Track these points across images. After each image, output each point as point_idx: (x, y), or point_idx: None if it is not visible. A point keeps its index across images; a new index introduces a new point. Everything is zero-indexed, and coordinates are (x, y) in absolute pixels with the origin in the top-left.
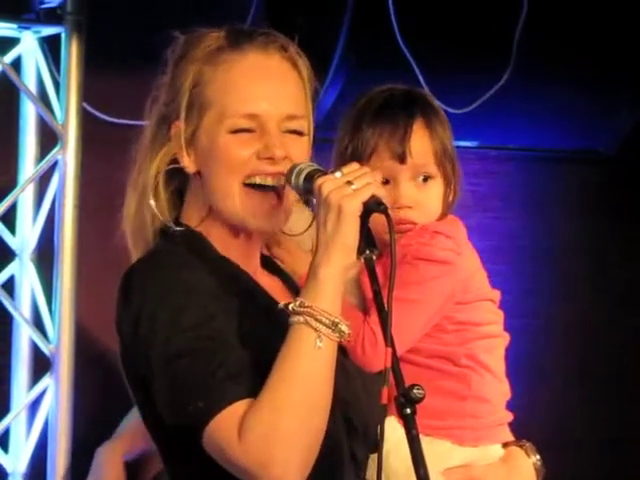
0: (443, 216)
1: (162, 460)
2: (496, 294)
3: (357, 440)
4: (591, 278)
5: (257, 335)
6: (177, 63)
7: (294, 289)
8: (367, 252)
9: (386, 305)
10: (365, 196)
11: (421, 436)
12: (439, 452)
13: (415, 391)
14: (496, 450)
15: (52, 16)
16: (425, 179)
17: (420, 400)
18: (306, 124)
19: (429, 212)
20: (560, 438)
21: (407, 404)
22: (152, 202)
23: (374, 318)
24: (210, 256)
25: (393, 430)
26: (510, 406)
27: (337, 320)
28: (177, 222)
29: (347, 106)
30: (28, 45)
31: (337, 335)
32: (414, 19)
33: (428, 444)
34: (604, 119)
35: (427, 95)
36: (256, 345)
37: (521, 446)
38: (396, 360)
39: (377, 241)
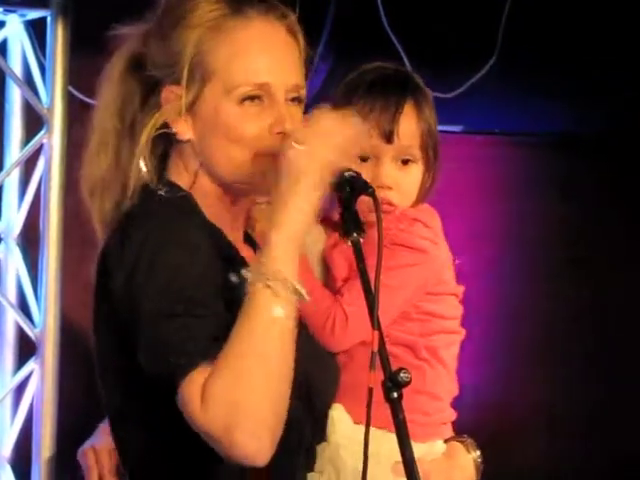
0: (418, 202)
1: (112, 422)
2: (460, 289)
3: (311, 425)
4: (576, 263)
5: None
6: (173, 26)
7: None
8: (355, 235)
9: (373, 288)
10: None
11: (373, 429)
12: (390, 446)
13: (402, 375)
14: (440, 446)
15: None
16: (406, 161)
17: (407, 384)
18: (304, 93)
19: (407, 195)
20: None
21: (394, 388)
22: (143, 167)
23: (347, 298)
24: (198, 220)
25: (340, 421)
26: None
27: (294, 283)
28: (163, 183)
29: (335, 87)
30: (14, 28)
31: (296, 298)
32: (400, 5)
33: (380, 437)
34: (589, 103)
35: (416, 76)
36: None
37: (462, 442)
38: (382, 344)
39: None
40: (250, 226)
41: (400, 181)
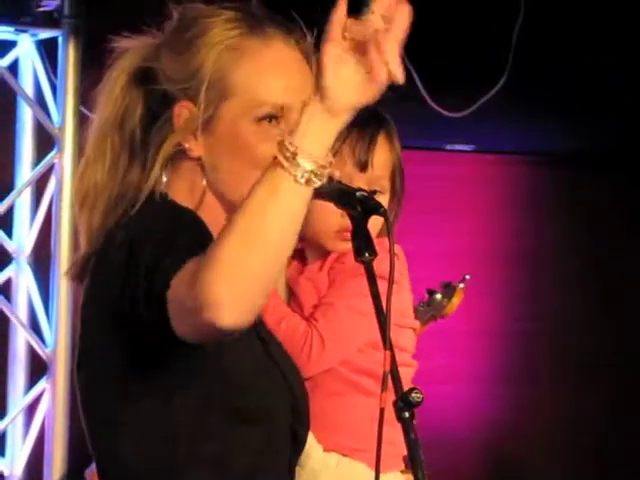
0: (380, 233)
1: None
2: (417, 323)
3: (296, 453)
4: (587, 280)
5: None
6: (190, 42)
7: None
8: (366, 255)
9: (387, 309)
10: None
11: (338, 456)
12: (355, 475)
13: (413, 395)
14: (399, 477)
15: (49, 19)
16: (374, 192)
17: (419, 404)
18: None
19: (376, 223)
20: (551, 438)
21: (405, 408)
22: (164, 179)
23: (322, 323)
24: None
25: (312, 447)
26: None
27: (299, 151)
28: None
29: None
30: (25, 48)
31: (295, 167)
32: (412, 23)
33: (345, 465)
34: (599, 122)
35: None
36: None
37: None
38: (394, 364)
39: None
40: None
41: None
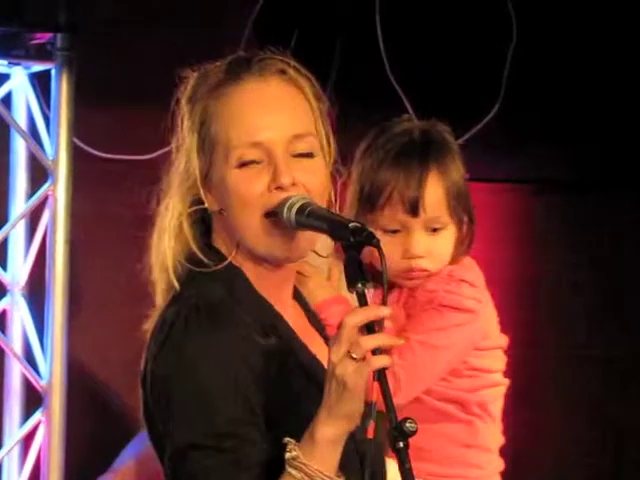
0: (458, 257)
1: None
2: (504, 340)
3: None
4: (583, 306)
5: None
6: (187, 103)
7: (313, 318)
8: (359, 285)
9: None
10: (368, 370)
11: None
12: None
13: (407, 424)
14: None
15: (42, 52)
16: (436, 229)
17: (413, 433)
18: (315, 143)
19: (441, 259)
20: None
21: (400, 437)
22: (169, 242)
23: (396, 360)
24: (251, 300)
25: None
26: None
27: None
28: (211, 251)
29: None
30: (18, 81)
31: None
32: (403, 52)
33: None
34: (593, 149)
35: (444, 133)
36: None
37: None
38: (388, 392)
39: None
40: (299, 281)
41: (432, 248)
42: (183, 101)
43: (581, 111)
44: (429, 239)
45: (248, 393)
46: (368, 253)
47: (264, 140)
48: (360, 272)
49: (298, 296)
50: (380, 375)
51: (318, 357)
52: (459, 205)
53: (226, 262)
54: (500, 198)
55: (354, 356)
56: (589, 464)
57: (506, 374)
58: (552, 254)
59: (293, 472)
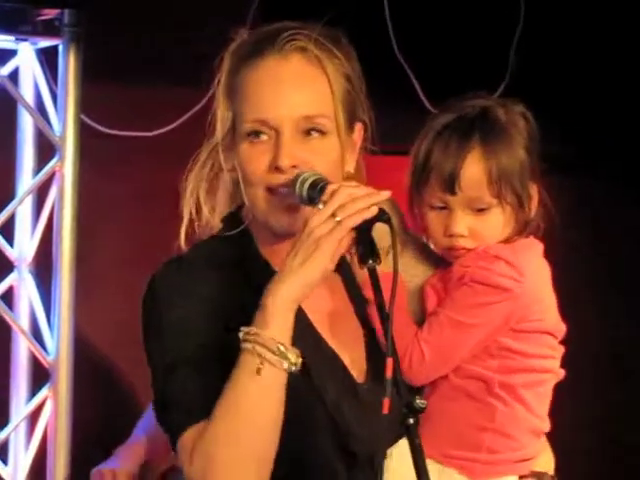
0: (512, 238)
1: None
2: (560, 328)
3: (361, 473)
4: (595, 288)
5: None
6: (225, 66)
7: (355, 291)
8: (370, 262)
9: (389, 313)
10: (343, 234)
11: (431, 462)
12: None
13: (418, 401)
14: None
15: (49, 28)
16: (481, 209)
17: (422, 410)
18: (328, 122)
19: (486, 238)
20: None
21: (410, 414)
22: (203, 204)
23: (425, 335)
24: (253, 264)
25: (401, 458)
26: None
27: (283, 348)
28: (235, 217)
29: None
30: (25, 57)
31: (283, 362)
32: (412, 33)
33: (435, 472)
34: (599, 129)
35: (509, 113)
36: None
37: (540, 477)
38: (398, 369)
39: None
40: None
41: (475, 227)
42: (225, 61)
43: (587, 92)
44: (472, 219)
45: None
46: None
47: (271, 118)
48: (371, 249)
49: (343, 268)
50: (393, 352)
51: (323, 329)
52: (508, 188)
53: (237, 230)
54: None
55: (337, 219)
56: None
57: None
58: (561, 234)
59: (246, 345)
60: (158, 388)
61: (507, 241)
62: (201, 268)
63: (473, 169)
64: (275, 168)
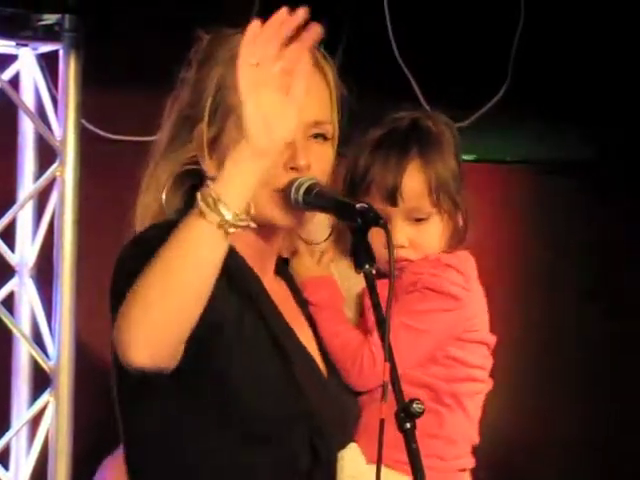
0: (451, 246)
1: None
2: (492, 339)
3: (320, 471)
4: (587, 289)
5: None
6: (201, 64)
7: (297, 295)
8: (367, 267)
9: (386, 317)
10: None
11: (382, 467)
12: None
13: (415, 405)
14: None
15: (50, 33)
16: (420, 219)
17: (420, 414)
18: (331, 129)
19: (425, 248)
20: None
21: (407, 419)
22: (164, 197)
23: (375, 340)
24: (231, 261)
25: (352, 461)
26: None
27: (219, 202)
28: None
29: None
30: (26, 62)
31: (214, 215)
32: (411, 34)
33: (385, 475)
34: (600, 131)
35: (434, 124)
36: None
37: None
38: (396, 375)
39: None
40: (291, 258)
41: (415, 238)
42: (195, 61)
43: (587, 93)
44: (412, 229)
45: None
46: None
47: None
48: (367, 253)
49: (285, 272)
50: (390, 356)
51: (291, 326)
52: (445, 197)
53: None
54: (506, 179)
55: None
56: None
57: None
58: (560, 234)
59: (200, 204)
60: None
61: (446, 250)
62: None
63: (414, 180)
64: (291, 167)
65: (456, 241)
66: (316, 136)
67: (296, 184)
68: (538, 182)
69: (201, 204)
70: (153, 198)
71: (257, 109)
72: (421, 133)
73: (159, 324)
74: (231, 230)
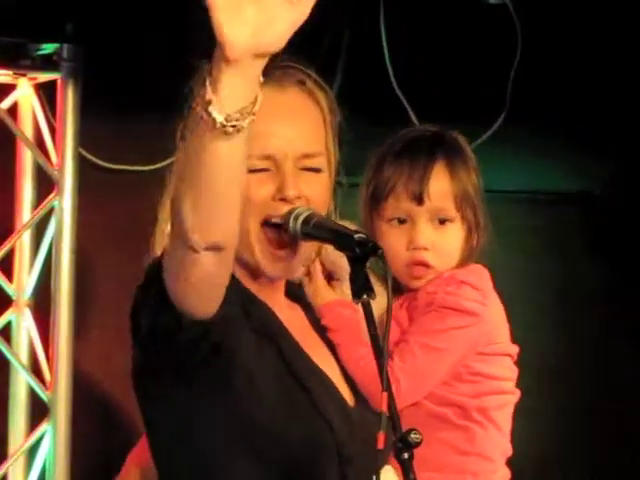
0: (465, 262)
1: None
2: (515, 349)
3: None
4: (583, 313)
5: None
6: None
7: (314, 319)
8: (365, 296)
9: (383, 347)
10: None
11: None
12: None
13: (412, 435)
14: None
15: (48, 62)
16: (443, 221)
17: (417, 445)
18: (324, 161)
19: (445, 255)
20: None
21: (405, 449)
22: (168, 229)
23: (397, 362)
24: (240, 294)
25: None
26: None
27: (210, 106)
28: None
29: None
30: (24, 91)
31: (210, 118)
32: (409, 64)
33: None
34: (595, 161)
35: (457, 138)
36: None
37: None
38: (393, 405)
39: (401, 286)
40: (306, 282)
41: (437, 241)
42: (196, 90)
43: (583, 124)
44: (435, 232)
45: None
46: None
47: (274, 153)
48: (365, 283)
49: (301, 296)
50: (388, 386)
51: (310, 354)
52: (468, 207)
53: None
54: (504, 208)
55: None
56: None
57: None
58: (560, 263)
59: (196, 109)
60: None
61: (461, 264)
62: None
63: (440, 180)
64: (280, 199)
65: (469, 256)
66: (308, 169)
67: (294, 214)
68: (535, 211)
69: (198, 108)
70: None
71: (231, 15)
72: (447, 142)
73: (207, 205)
74: (230, 130)
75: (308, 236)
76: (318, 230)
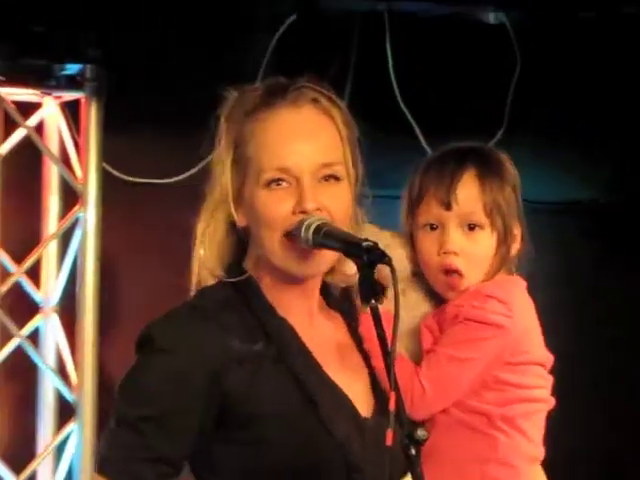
0: (495, 271)
1: None
2: (548, 358)
3: None
4: (584, 322)
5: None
6: (224, 121)
7: (353, 322)
8: (373, 301)
9: (391, 350)
10: None
11: None
12: None
13: (419, 432)
14: None
15: (72, 82)
16: (472, 227)
17: (424, 441)
18: (342, 170)
19: (476, 260)
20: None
21: (411, 444)
22: (202, 252)
23: (424, 371)
24: (255, 306)
25: None
26: None
27: None
28: (237, 267)
29: None
30: (50, 109)
31: None
32: (413, 83)
33: None
34: (596, 174)
35: (495, 153)
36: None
37: None
38: (401, 404)
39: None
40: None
41: (466, 247)
42: (222, 119)
43: (582, 138)
44: (464, 238)
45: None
46: None
47: (292, 166)
48: (373, 289)
49: (346, 305)
50: (396, 386)
51: (329, 366)
52: (498, 216)
53: (244, 276)
54: None
55: None
56: None
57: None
58: (560, 271)
59: None
60: (110, 432)
61: (489, 275)
62: (211, 311)
63: (469, 187)
64: (300, 212)
65: (499, 267)
66: (327, 178)
67: (305, 224)
68: (536, 223)
69: None
70: (209, 252)
71: None
72: (480, 154)
73: None
74: None
75: (319, 245)
76: (328, 239)
